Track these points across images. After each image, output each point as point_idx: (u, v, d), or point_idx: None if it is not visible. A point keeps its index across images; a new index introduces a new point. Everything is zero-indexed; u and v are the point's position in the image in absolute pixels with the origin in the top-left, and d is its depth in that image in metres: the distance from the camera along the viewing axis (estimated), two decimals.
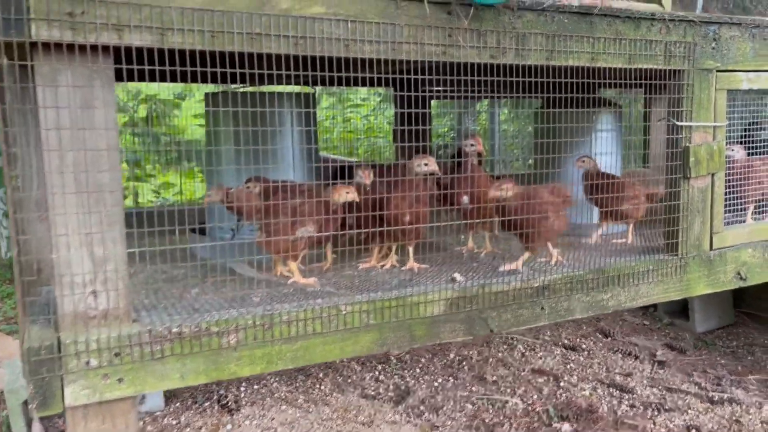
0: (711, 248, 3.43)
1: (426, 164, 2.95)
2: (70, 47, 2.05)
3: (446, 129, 11.31)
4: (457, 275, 2.97)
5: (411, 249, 3.29)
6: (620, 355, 5.96)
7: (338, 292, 2.78)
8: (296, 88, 4.32)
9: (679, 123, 3.23)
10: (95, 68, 2.10)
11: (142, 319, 2.38)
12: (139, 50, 2.18)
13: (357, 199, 2.97)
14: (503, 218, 3.14)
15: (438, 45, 2.62)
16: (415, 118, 4.39)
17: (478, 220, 3.44)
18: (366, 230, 2.82)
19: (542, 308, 3.02)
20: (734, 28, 3.33)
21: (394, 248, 3.37)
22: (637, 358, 5.91)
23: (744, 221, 3.94)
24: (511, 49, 2.77)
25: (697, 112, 3.27)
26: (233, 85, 4.16)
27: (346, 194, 2.96)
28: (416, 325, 2.74)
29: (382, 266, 3.32)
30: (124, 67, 2.10)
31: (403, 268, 3.26)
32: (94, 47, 2.08)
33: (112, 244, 2.20)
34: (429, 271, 3.22)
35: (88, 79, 2.10)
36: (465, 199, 3.35)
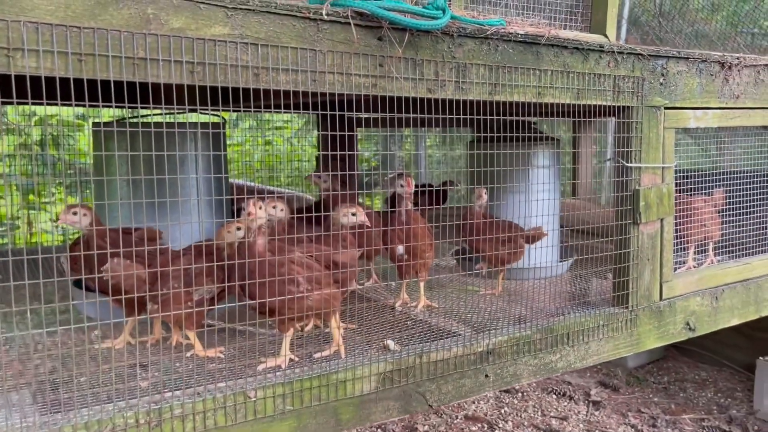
0: (661, 298, 3.17)
1: (353, 214, 2.53)
2: None
3: (372, 154, 10.98)
4: (390, 342, 2.55)
5: None
6: (555, 396, 5.72)
7: (246, 372, 2.29)
8: (203, 116, 3.81)
9: (629, 164, 2.96)
10: None
11: None
12: None
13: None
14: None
15: (367, 76, 2.21)
16: (341, 145, 3.97)
17: (414, 273, 3.05)
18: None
19: (486, 376, 2.64)
20: (682, 63, 3.11)
21: None
22: (572, 398, 5.69)
23: (684, 262, 3.75)
24: (451, 81, 2.40)
25: (646, 152, 3.01)
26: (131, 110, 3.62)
27: (237, 231, 2.46)
28: (343, 407, 2.29)
29: (302, 327, 2.86)
30: None
31: (327, 330, 2.81)
32: None
33: None
34: (358, 332, 2.79)
35: None
36: (400, 249, 2.95)
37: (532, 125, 4.13)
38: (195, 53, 1.89)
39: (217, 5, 1.92)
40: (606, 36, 3.10)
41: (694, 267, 3.72)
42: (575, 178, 6.15)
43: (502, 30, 2.50)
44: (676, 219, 3.39)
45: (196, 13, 1.89)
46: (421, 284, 3.15)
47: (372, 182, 9.70)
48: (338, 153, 4.24)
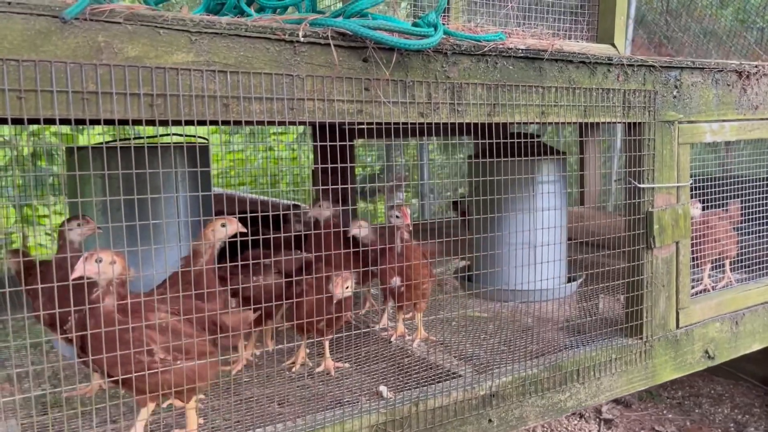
0: (677, 326, 2.95)
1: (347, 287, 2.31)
2: None
3: (374, 158, 10.77)
4: (383, 389, 2.33)
5: (327, 343, 2.64)
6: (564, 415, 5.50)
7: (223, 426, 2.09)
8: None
9: (641, 185, 2.73)
10: None
11: None
12: None
13: (243, 230, 2.25)
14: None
15: (352, 101, 2.00)
16: (340, 158, 3.75)
17: (409, 302, 2.84)
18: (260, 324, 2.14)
19: (490, 421, 2.43)
20: (696, 73, 2.88)
21: (304, 342, 2.71)
22: (582, 416, 5.46)
23: (700, 280, 3.52)
24: (445, 104, 2.18)
25: (659, 171, 2.79)
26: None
27: (222, 228, 2.22)
28: None
29: (290, 368, 2.65)
30: None
31: (317, 370, 2.60)
32: None
33: None
34: (349, 372, 2.58)
35: None
36: (396, 280, 2.73)
37: (536, 138, 3.91)
38: (154, 84, 1.69)
39: (179, 29, 1.71)
40: (614, 45, 2.88)
41: (711, 287, 3.50)
42: (582, 185, 5.93)
43: (501, 45, 2.29)
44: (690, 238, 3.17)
45: (154, 39, 1.68)
46: (419, 315, 2.94)
47: (375, 190, 9.49)
48: (335, 173, 4.03)
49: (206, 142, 3.02)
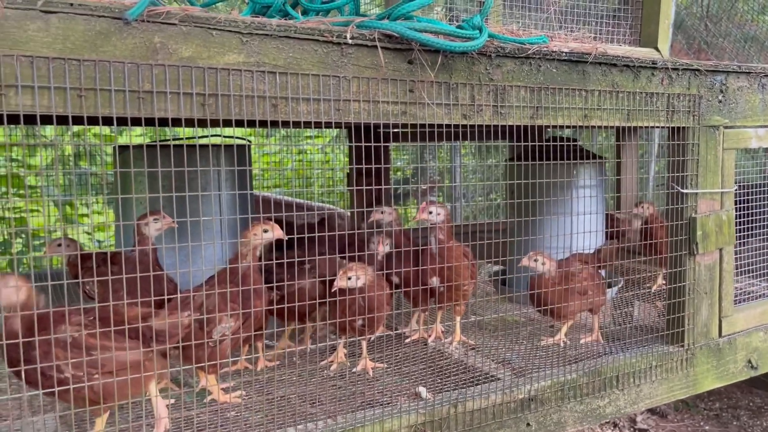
0: (720, 335, 2.90)
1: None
2: None
3: (407, 161, 10.78)
4: (422, 390, 2.34)
5: (365, 343, 2.66)
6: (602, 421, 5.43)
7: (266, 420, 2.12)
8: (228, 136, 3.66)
9: (685, 190, 2.70)
10: None
11: None
12: None
13: (283, 237, 2.26)
14: None
15: (396, 102, 2.02)
16: (375, 160, 3.78)
17: (449, 303, 2.85)
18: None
19: (528, 424, 2.42)
20: (742, 78, 2.84)
21: (342, 341, 2.73)
22: (616, 426, 5.39)
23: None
24: (488, 106, 2.19)
25: (703, 176, 2.75)
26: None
27: (264, 234, 2.24)
28: None
29: (329, 365, 2.67)
30: None
31: (354, 370, 2.62)
32: None
33: None
34: (387, 373, 2.60)
35: None
36: (434, 280, 2.73)
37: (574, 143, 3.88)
38: (206, 84, 1.73)
39: (230, 31, 1.75)
40: (658, 50, 2.85)
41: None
42: (619, 189, 5.85)
43: (545, 48, 2.29)
44: None
45: (207, 41, 1.73)
46: (458, 318, 2.93)
47: (408, 193, 9.49)
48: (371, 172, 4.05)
49: (249, 142, 3.07)
